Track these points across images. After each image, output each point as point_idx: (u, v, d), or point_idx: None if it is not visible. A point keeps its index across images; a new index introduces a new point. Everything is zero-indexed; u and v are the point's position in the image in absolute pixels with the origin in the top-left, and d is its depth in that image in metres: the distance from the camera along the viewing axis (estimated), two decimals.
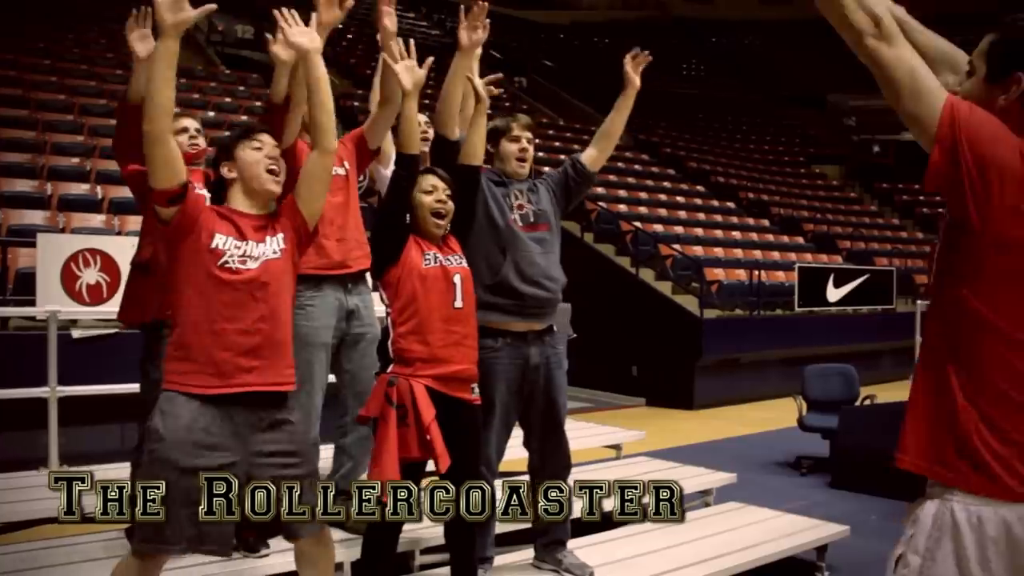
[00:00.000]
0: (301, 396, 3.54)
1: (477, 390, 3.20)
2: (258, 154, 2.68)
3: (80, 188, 8.81)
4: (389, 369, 3.05)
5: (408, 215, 3.13)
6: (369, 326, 3.76)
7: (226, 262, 2.55)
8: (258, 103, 13.58)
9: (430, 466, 3.24)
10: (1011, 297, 1.70)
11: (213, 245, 2.55)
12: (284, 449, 2.62)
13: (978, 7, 24.85)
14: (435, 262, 3.08)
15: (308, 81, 2.76)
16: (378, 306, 3.88)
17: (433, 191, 3.13)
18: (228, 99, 13.43)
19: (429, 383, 3.00)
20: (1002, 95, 1.72)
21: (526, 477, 3.70)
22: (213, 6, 2.58)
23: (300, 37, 2.75)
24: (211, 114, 12.28)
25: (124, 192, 8.80)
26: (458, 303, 3.09)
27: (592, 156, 3.77)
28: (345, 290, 3.67)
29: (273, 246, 2.65)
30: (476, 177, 3.34)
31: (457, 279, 3.10)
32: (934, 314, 1.82)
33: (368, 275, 3.73)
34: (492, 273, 3.44)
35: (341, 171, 3.66)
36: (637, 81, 3.74)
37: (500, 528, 3.87)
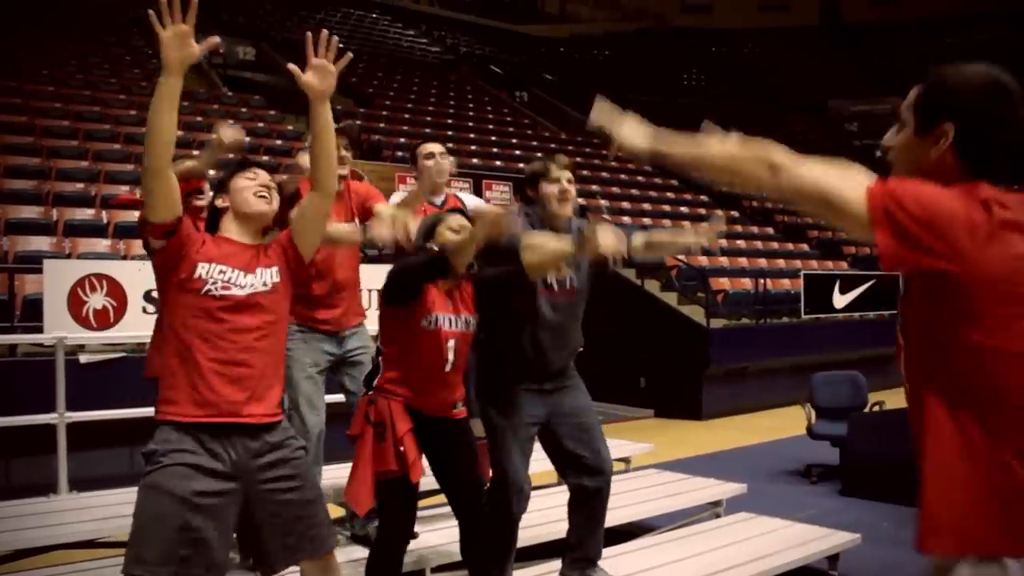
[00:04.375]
0: (295, 418, 3.61)
1: (459, 406, 3.24)
2: (249, 182, 2.72)
3: (85, 213, 8.86)
4: (373, 383, 3.12)
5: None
6: (364, 348, 3.90)
7: (208, 290, 2.55)
8: (261, 124, 13.65)
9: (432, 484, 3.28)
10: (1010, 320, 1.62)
11: (196, 274, 2.56)
12: (283, 474, 2.63)
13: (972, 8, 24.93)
14: (433, 325, 3.05)
15: (313, 126, 2.72)
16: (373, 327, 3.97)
17: (460, 231, 3.11)
18: (231, 121, 13.47)
19: (409, 403, 3.05)
20: (932, 147, 1.68)
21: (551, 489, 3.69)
22: (216, 39, 2.56)
23: (313, 78, 2.65)
24: (214, 136, 12.31)
25: (129, 216, 8.84)
26: (448, 367, 3.11)
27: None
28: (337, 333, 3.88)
29: (264, 278, 2.66)
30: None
31: (451, 344, 3.09)
32: (931, 374, 1.71)
33: None
34: (505, 336, 3.41)
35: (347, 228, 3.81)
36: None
37: (528, 542, 3.91)
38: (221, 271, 2.58)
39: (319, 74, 2.64)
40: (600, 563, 3.72)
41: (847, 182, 1.63)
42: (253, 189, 2.71)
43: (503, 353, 3.44)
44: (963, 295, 1.61)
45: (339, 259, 3.85)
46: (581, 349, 3.63)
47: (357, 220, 3.86)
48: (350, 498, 3.00)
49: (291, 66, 2.65)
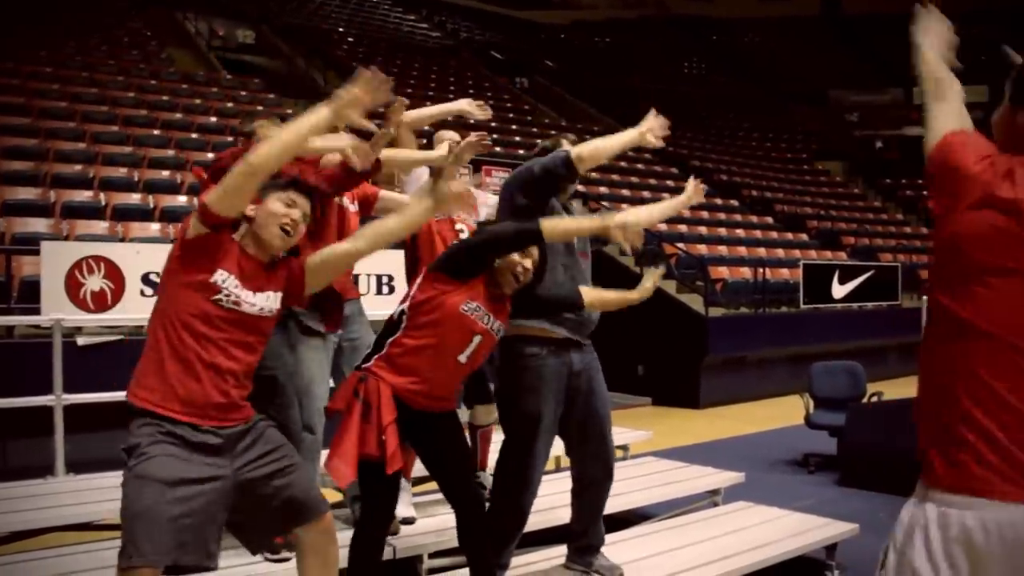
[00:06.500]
0: (297, 419, 3.57)
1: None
2: (282, 209, 2.68)
3: (83, 195, 8.81)
4: (368, 363, 3.03)
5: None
6: (364, 332, 3.84)
7: (219, 299, 2.56)
8: (260, 108, 13.61)
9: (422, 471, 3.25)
10: (979, 295, 1.75)
11: (213, 279, 2.56)
12: (264, 451, 2.67)
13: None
14: (472, 313, 3.01)
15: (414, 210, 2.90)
16: (371, 312, 3.97)
17: (526, 255, 3.09)
18: (230, 104, 13.44)
19: (398, 392, 2.98)
20: (1020, 114, 1.82)
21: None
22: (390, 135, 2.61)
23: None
24: (213, 119, 12.29)
25: (127, 199, 8.81)
26: (462, 358, 3.04)
27: None
28: None
29: (270, 303, 2.68)
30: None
31: (476, 339, 3.04)
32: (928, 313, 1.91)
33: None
34: (553, 285, 3.39)
35: (353, 208, 3.79)
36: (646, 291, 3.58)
37: (527, 528, 3.88)
38: (236, 284, 2.59)
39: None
40: (601, 549, 3.73)
41: (946, 124, 1.85)
42: (281, 221, 2.67)
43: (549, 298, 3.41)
44: (941, 253, 1.81)
45: (353, 229, 3.75)
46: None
47: (357, 204, 3.83)
48: (331, 470, 2.93)
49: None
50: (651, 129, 3.46)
